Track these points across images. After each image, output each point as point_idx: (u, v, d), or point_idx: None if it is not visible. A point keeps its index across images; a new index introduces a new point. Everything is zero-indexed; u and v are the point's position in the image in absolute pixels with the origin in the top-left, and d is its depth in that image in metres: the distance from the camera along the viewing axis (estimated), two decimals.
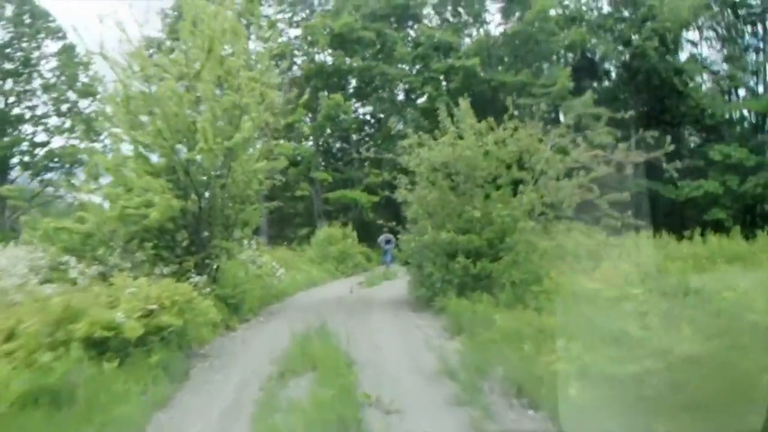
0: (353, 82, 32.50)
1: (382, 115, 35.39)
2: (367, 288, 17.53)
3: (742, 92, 30.82)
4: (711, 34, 31.14)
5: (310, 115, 29.76)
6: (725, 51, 30.74)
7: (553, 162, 12.21)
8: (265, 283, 14.20)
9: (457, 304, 10.42)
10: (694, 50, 31.24)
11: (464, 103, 12.74)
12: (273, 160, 12.87)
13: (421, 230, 12.56)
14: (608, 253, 12.63)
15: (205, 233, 10.30)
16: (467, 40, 30.80)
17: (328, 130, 36.28)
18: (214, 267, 10.38)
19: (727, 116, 28.75)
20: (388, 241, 25.48)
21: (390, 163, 24.99)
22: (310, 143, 31.51)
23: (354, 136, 35.01)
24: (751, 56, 30.29)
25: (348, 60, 28.66)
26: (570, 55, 30.26)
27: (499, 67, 28.47)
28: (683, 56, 30.36)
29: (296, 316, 11.59)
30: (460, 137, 12.51)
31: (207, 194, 10.56)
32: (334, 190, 30.09)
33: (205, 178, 10.84)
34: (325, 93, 28.42)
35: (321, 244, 22.24)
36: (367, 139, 36.25)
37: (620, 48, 28.63)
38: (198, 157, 10.48)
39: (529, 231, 11.34)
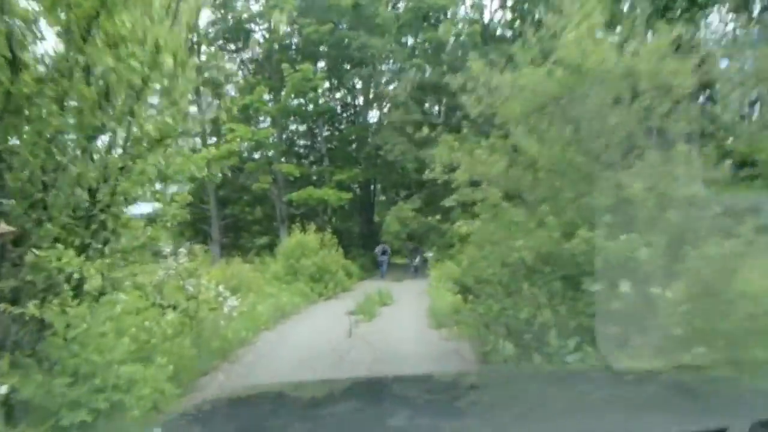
0: (323, 63, 25.83)
1: (356, 106, 28.84)
2: (367, 322, 10.89)
3: None
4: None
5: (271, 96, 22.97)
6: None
7: None
8: (203, 325, 7.52)
9: None
10: None
11: None
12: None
13: (511, 230, 6.12)
14: None
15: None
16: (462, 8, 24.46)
17: (293, 122, 29.68)
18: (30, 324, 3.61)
19: None
20: (384, 252, 23.48)
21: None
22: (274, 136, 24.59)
23: (325, 131, 28.31)
24: None
25: (320, 30, 22.00)
26: None
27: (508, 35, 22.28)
28: None
29: None
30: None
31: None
32: (298, 189, 23.35)
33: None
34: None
35: (290, 256, 15.46)
36: (336, 134, 29.63)
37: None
38: None
39: None
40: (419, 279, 21.84)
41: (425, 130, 9.87)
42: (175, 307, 7.21)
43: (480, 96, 6.77)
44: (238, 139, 20.47)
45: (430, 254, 31.11)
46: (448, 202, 8.51)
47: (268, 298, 11.96)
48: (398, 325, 10.61)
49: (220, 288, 8.80)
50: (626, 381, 1.73)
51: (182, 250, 7.83)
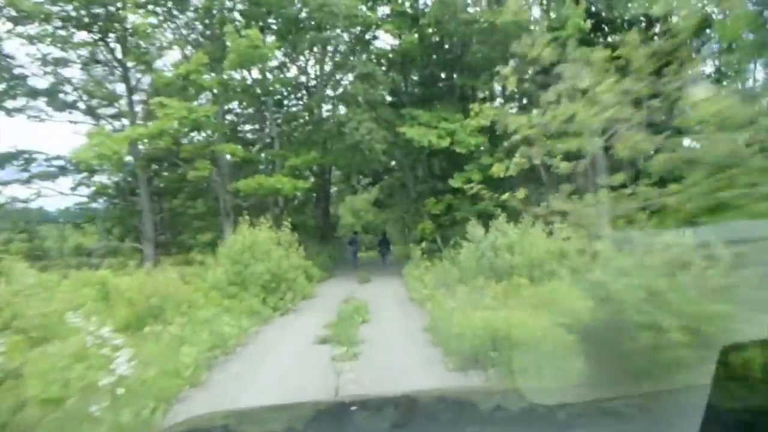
0: (273, 36, 21.35)
1: (309, 87, 24.57)
2: (352, 361, 6.91)
3: None
4: None
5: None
6: None
7: None
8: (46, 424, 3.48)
9: None
10: None
11: None
12: None
13: None
14: None
15: None
16: None
17: (239, 106, 25.18)
18: None
19: None
20: (354, 242, 23.36)
21: None
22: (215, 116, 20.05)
23: (275, 115, 23.95)
24: None
25: None
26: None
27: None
28: None
29: None
30: None
31: None
32: (246, 177, 18.99)
33: None
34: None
35: (237, 260, 11.22)
36: (289, 115, 25.35)
37: None
38: None
39: None
40: (389, 276, 18.19)
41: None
42: None
43: None
44: (172, 119, 16.04)
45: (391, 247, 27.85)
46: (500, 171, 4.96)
47: (200, 325, 7.85)
48: (401, 364, 6.73)
49: (104, 330, 4.70)
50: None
51: None
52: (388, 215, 32.71)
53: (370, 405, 2.07)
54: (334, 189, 31.31)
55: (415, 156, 19.46)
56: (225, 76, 18.45)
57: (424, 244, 16.06)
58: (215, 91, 17.77)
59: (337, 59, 20.01)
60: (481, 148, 17.48)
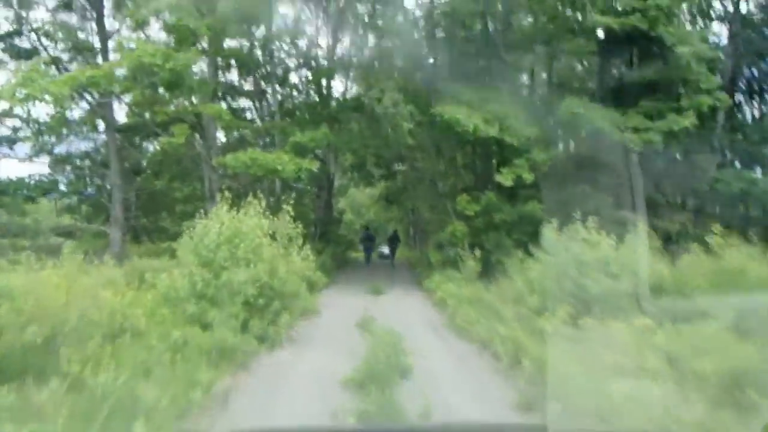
0: None
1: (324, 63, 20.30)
2: None
3: None
4: None
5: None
6: None
7: None
8: None
9: None
10: None
11: None
12: None
13: None
14: None
15: None
16: None
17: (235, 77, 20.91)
18: None
19: None
20: (369, 238, 22.29)
21: None
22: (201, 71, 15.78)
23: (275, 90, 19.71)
24: None
25: None
26: None
27: None
28: None
29: None
30: None
31: None
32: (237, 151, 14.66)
33: None
34: None
35: (207, 259, 6.90)
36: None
37: None
38: None
39: None
40: (404, 284, 14.46)
41: None
42: None
43: None
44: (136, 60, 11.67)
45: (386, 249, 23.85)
46: None
47: (109, 395, 3.68)
48: None
49: None
50: None
51: None
52: (394, 213, 28.61)
53: None
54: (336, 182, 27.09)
55: (445, 142, 15.37)
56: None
57: (475, 252, 11.87)
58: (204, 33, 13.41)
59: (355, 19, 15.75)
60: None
